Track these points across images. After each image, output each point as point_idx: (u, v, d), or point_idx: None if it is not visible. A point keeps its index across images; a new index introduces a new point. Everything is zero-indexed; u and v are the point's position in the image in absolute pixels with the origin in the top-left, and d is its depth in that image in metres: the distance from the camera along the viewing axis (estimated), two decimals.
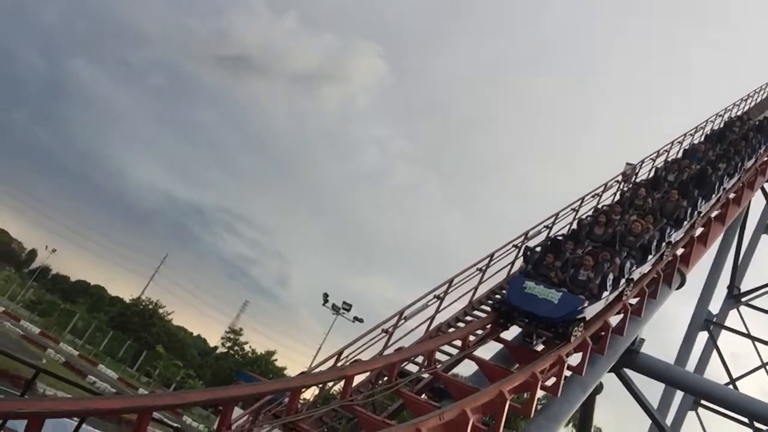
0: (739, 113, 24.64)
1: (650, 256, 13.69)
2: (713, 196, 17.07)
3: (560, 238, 14.09)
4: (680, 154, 19.78)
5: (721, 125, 22.81)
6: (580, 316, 11.46)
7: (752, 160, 20.08)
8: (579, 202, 16.36)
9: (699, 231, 16.73)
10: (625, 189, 17.28)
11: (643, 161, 18.87)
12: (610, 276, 12.20)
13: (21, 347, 37.60)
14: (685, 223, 15.52)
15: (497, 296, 13.32)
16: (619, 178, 18.10)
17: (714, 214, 17.40)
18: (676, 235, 15.14)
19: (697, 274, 18.85)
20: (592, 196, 16.84)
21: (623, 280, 12.65)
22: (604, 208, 15.55)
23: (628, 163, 18.57)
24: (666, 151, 19.67)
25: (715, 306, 23.78)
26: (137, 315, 76.00)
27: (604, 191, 17.19)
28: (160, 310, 79.90)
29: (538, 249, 13.20)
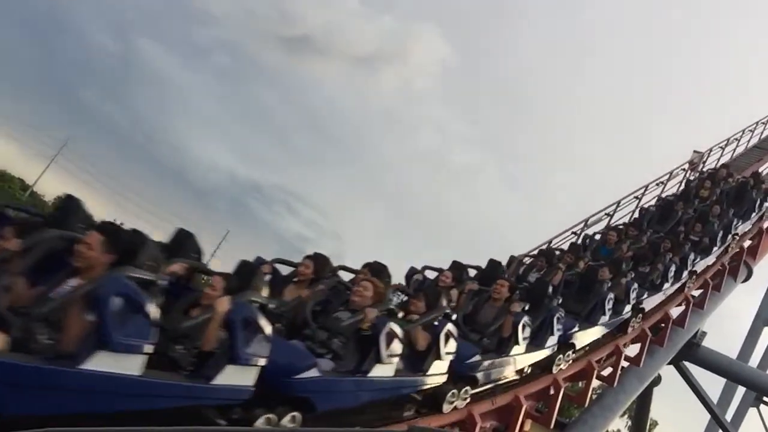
0: (716, 164, 17.75)
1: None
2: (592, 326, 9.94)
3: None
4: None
5: (679, 188, 16.52)
6: None
7: (712, 257, 13.46)
8: (642, 190, 15.99)
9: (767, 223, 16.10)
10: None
11: (711, 149, 18.27)
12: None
13: None
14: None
15: None
16: (686, 166, 17.61)
17: None
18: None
19: (765, 267, 18.12)
20: (657, 184, 16.42)
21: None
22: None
23: (695, 151, 18.03)
24: (736, 139, 18.94)
25: None
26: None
27: (669, 179, 16.74)
28: None
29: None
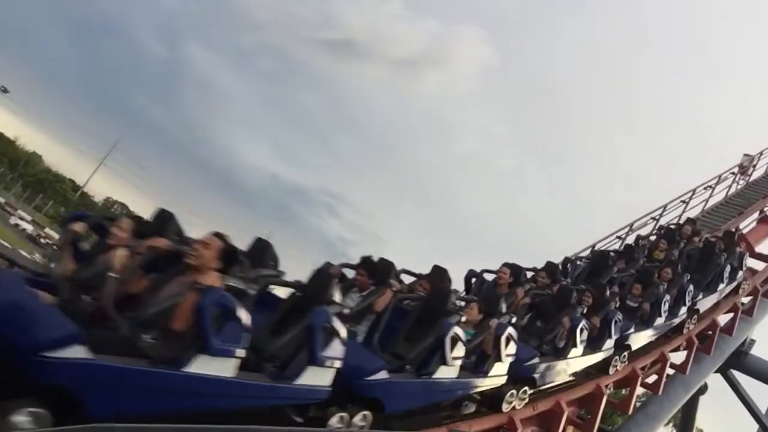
0: (679, 216, 15.33)
1: None
2: None
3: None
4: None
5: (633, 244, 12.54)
6: None
7: (651, 332, 10.11)
8: (690, 194, 15.72)
9: None
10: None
11: (762, 152, 17.83)
12: None
13: None
14: None
15: None
16: (735, 169, 17.23)
17: None
18: None
19: None
20: (705, 188, 16.12)
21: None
22: None
23: (745, 154, 17.64)
24: None
25: None
26: None
27: (717, 183, 16.41)
28: None
29: None
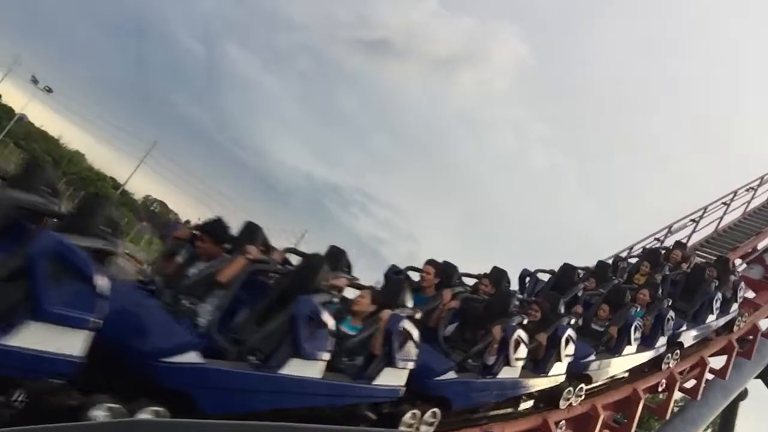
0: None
1: None
2: None
3: None
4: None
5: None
6: None
7: (621, 361, 8.65)
8: (731, 196, 15.42)
9: None
10: None
11: None
12: None
13: None
14: None
15: None
16: None
17: None
18: None
19: None
20: (746, 190, 15.80)
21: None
22: None
23: None
24: None
25: None
26: None
27: (760, 185, 16.06)
28: None
29: None
